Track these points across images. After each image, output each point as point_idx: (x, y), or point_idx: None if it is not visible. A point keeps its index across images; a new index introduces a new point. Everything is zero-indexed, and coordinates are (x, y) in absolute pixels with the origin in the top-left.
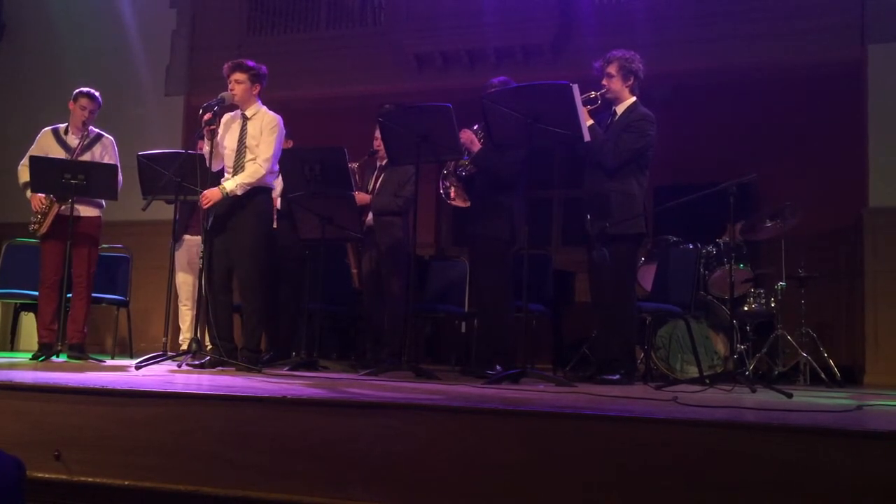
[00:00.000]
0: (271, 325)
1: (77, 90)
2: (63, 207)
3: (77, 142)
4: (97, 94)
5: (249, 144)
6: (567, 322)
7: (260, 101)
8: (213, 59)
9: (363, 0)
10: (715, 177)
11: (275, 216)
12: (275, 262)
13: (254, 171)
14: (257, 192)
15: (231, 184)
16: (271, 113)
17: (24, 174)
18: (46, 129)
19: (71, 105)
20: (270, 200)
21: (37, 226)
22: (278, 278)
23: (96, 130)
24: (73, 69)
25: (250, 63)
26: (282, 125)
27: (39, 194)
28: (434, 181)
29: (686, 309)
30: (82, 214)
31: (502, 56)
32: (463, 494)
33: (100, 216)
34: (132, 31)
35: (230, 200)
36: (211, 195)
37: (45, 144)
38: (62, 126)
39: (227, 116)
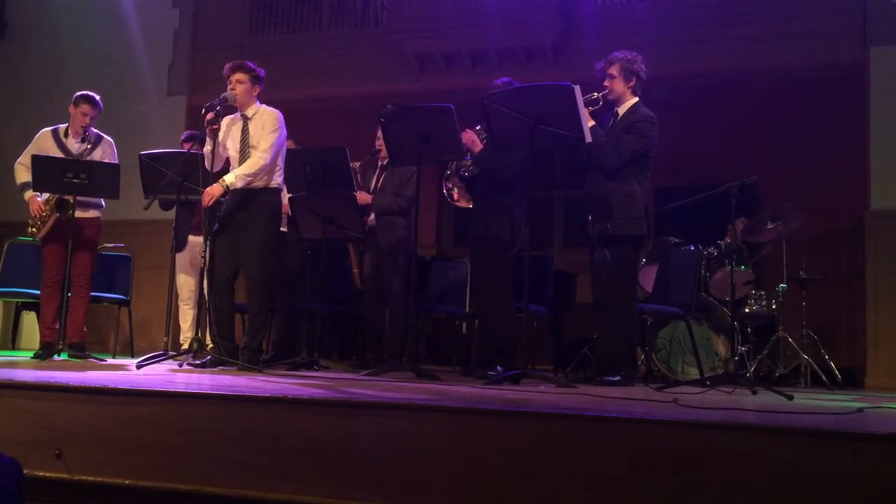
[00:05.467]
0: (275, 326)
1: (78, 94)
2: (61, 217)
3: (77, 146)
4: (98, 98)
5: (252, 144)
6: (568, 323)
7: (259, 102)
8: (216, 58)
9: (365, 0)
10: (716, 178)
11: (286, 220)
12: (282, 263)
13: (253, 162)
14: (266, 192)
15: (231, 176)
16: (271, 109)
17: (21, 174)
18: (45, 129)
19: (71, 109)
20: (279, 201)
21: (35, 230)
22: (283, 279)
23: (96, 131)
24: (76, 68)
25: (250, 64)
26: (282, 120)
27: (39, 200)
28: (435, 181)
29: (687, 310)
30: (82, 216)
31: (504, 57)
32: (462, 495)
33: (99, 217)
34: (134, 31)
35: (239, 199)
36: (212, 191)
37: (45, 145)
38: (62, 127)
39: (227, 119)
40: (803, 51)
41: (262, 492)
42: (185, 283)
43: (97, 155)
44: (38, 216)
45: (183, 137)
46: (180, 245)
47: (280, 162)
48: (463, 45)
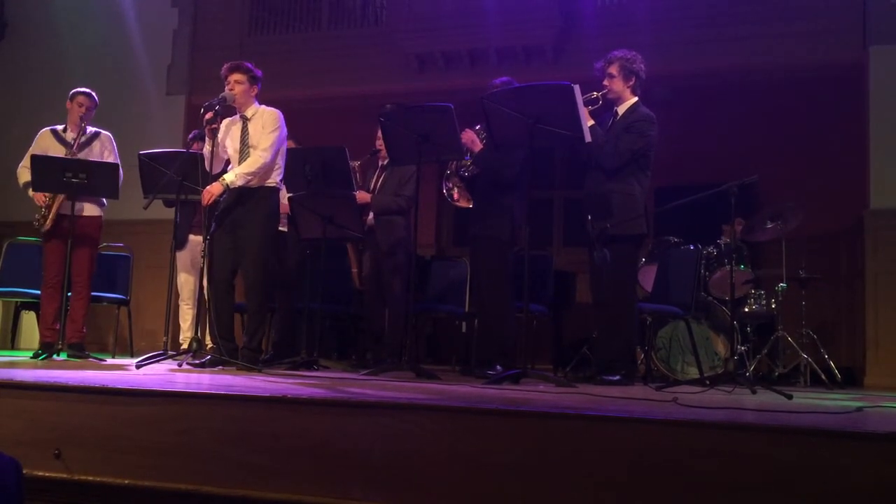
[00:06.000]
0: (275, 325)
1: (73, 90)
2: (65, 200)
3: (75, 136)
4: (93, 93)
5: (252, 143)
6: (567, 322)
7: (257, 102)
8: (215, 58)
9: (365, 0)
10: (716, 178)
11: (286, 219)
12: (283, 262)
13: (253, 160)
14: (262, 191)
15: (231, 175)
16: (270, 108)
17: (24, 175)
18: (45, 129)
19: (68, 104)
20: (278, 200)
21: (42, 220)
22: (283, 279)
23: (94, 129)
24: (75, 68)
25: (248, 64)
26: (282, 119)
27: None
28: (435, 181)
29: (686, 310)
30: (84, 213)
31: (503, 56)
32: (462, 494)
33: (101, 216)
34: (134, 30)
35: (235, 198)
36: (213, 189)
37: (45, 144)
38: (60, 127)
39: (226, 121)
40: (803, 50)
41: (262, 492)
42: (186, 283)
43: (96, 147)
44: (42, 204)
45: (190, 136)
46: (180, 243)
47: (280, 161)
48: (462, 44)
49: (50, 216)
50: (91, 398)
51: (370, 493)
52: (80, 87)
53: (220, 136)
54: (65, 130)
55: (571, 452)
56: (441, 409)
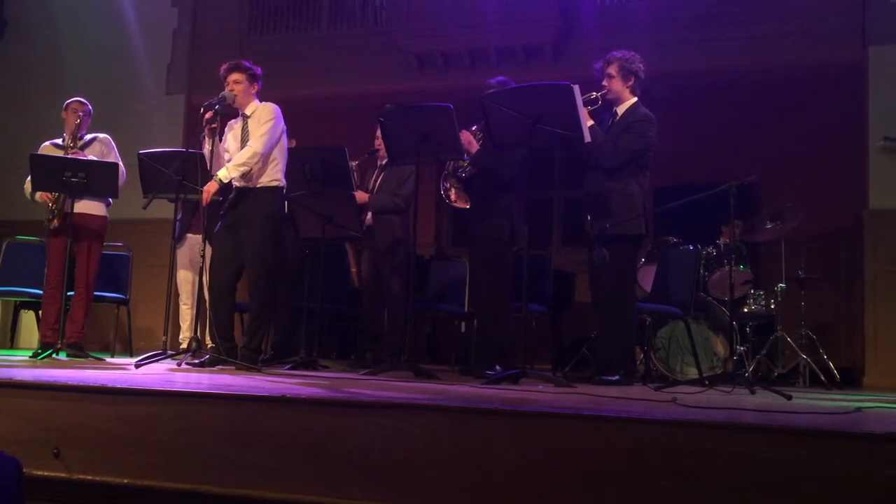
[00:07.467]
0: (274, 325)
1: (67, 101)
2: (69, 201)
3: (71, 138)
4: (86, 101)
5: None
6: (567, 322)
7: (258, 100)
8: (215, 58)
9: (364, 0)
10: (715, 178)
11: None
12: (282, 261)
13: (244, 151)
14: (265, 191)
15: (223, 171)
16: (267, 102)
17: (29, 187)
18: (46, 142)
19: (63, 114)
20: (281, 201)
21: (50, 216)
22: (281, 278)
23: (91, 134)
24: (75, 67)
25: (247, 63)
26: (278, 111)
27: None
28: (434, 181)
29: (686, 310)
30: (88, 212)
31: (503, 56)
32: (461, 494)
33: (106, 216)
34: (133, 30)
35: (240, 198)
36: (209, 187)
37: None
38: (59, 140)
39: (231, 122)
40: (802, 50)
41: (262, 491)
42: (185, 282)
43: (96, 149)
44: (49, 200)
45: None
46: (177, 239)
47: (278, 156)
48: (462, 44)
49: (58, 213)
50: (90, 398)
51: (370, 493)
52: (81, 86)
53: (224, 138)
54: (63, 140)
55: (570, 452)
56: (440, 408)
